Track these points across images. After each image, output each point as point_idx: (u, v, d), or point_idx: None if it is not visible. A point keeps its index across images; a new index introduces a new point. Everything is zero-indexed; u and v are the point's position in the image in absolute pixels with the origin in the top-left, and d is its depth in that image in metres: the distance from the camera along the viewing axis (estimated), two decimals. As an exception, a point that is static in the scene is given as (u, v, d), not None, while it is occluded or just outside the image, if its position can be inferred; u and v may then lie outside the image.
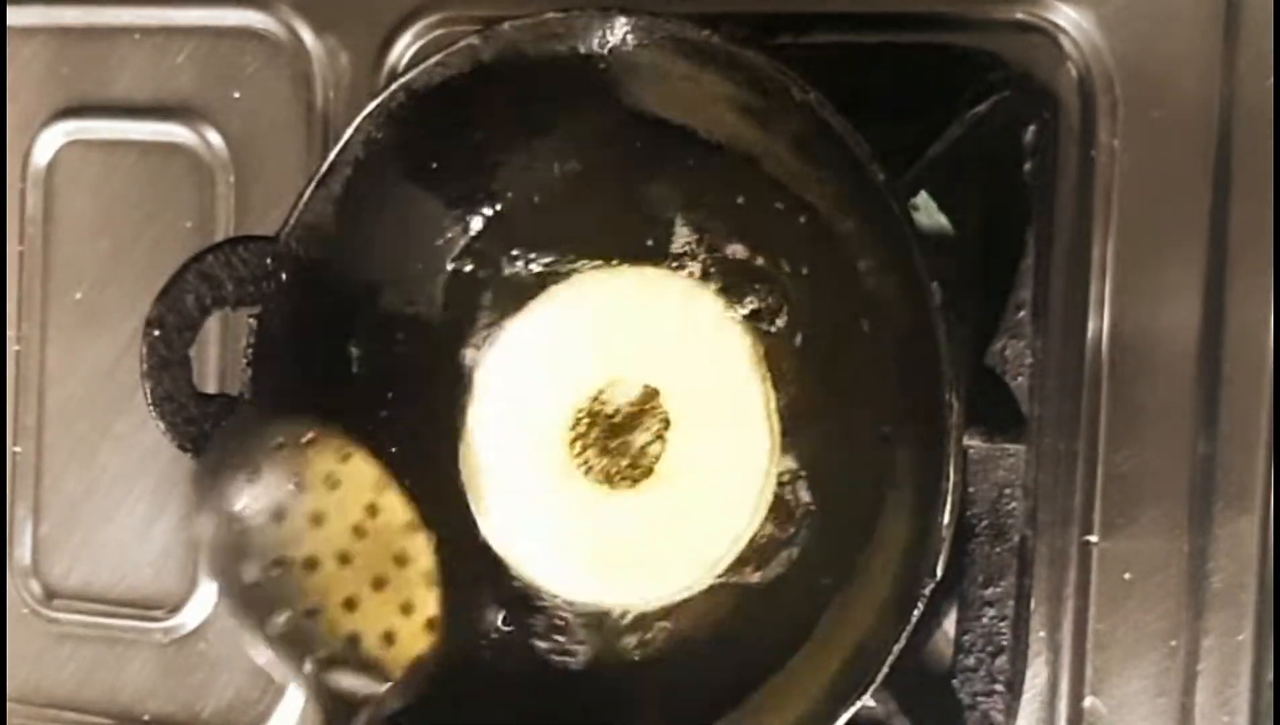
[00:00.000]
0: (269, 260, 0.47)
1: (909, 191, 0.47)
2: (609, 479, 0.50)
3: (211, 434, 0.47)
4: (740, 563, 0.50)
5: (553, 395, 0.50)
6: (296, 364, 0.49)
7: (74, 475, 0.61)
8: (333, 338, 0.51)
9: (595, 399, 0.50)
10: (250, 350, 0.48)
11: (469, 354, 0.52)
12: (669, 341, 0.50)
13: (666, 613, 0.51)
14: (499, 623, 0.52)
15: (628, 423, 0.50)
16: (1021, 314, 0.50)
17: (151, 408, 0.46)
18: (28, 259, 0.62)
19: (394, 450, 0.53)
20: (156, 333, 0.46)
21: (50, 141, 0.62)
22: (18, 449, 0.62)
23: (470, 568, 0.52)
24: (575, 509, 0.50)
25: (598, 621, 0.51)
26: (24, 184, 0.62)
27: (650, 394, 0.50)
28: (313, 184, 0.47)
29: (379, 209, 0.49)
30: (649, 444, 0.50)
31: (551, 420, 0.50)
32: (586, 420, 0.50)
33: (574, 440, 0.50)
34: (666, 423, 0.50)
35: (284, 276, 0.48)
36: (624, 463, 0.50)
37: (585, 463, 0.50)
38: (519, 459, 0.51)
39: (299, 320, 0.48)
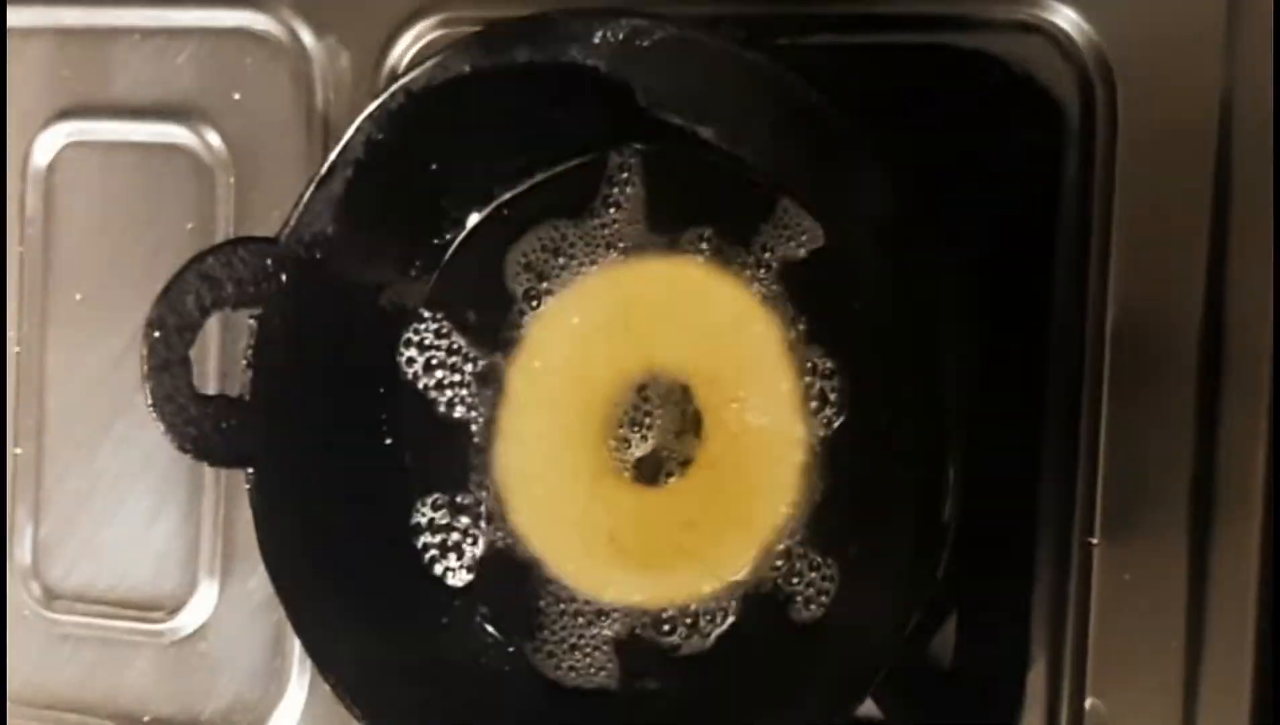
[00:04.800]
0: (269, 261, 0.47)
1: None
2: (643, 474, 0.50)
3: (211, 434, 0.47)
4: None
5: (581, 390, 0.50)
6: (296, 364, 0.49)
7: (74, 476, 0.61)
8: (333, 338, 0.51)
9: (626, 392, 0.50)
10: (250, 350, 0.48)
11: (474, 354, 0.53)
12: (696, 330, 0.50)
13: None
14: (510, 627, 0.52)
15: (661, 415, 0.50)
16: (1021, 314, 0.50)
17: (152, 408, 0.46)
18: (28, 260, 0.62)
19: (395, 449, 0.53)
20: (157, 333, 0.46)
21: (50, 142, 0.62)
22: (18, 450, 0.62)
23: (492, 571, 0.52)
24: (609, 505, 0.50)
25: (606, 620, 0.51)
26: (24, 185, 0.62)
27: (681, 385, 0.50)
28: (313, 185, 0.47)
29: (379, 210, 0.49)
30: (682, 436, 0.50)
31: (582, 415, 0.50)
32: (618, 414, 0.50)
33: (606, 435, 0.50)
34: (699, 414, 0.50)
35: (284, 277, 0.48)
36: (659, 456, 0.50)
37: (619, 458, 0.50)
38: (550, 456, 0.51)
39: (299, 321, 0.48)
